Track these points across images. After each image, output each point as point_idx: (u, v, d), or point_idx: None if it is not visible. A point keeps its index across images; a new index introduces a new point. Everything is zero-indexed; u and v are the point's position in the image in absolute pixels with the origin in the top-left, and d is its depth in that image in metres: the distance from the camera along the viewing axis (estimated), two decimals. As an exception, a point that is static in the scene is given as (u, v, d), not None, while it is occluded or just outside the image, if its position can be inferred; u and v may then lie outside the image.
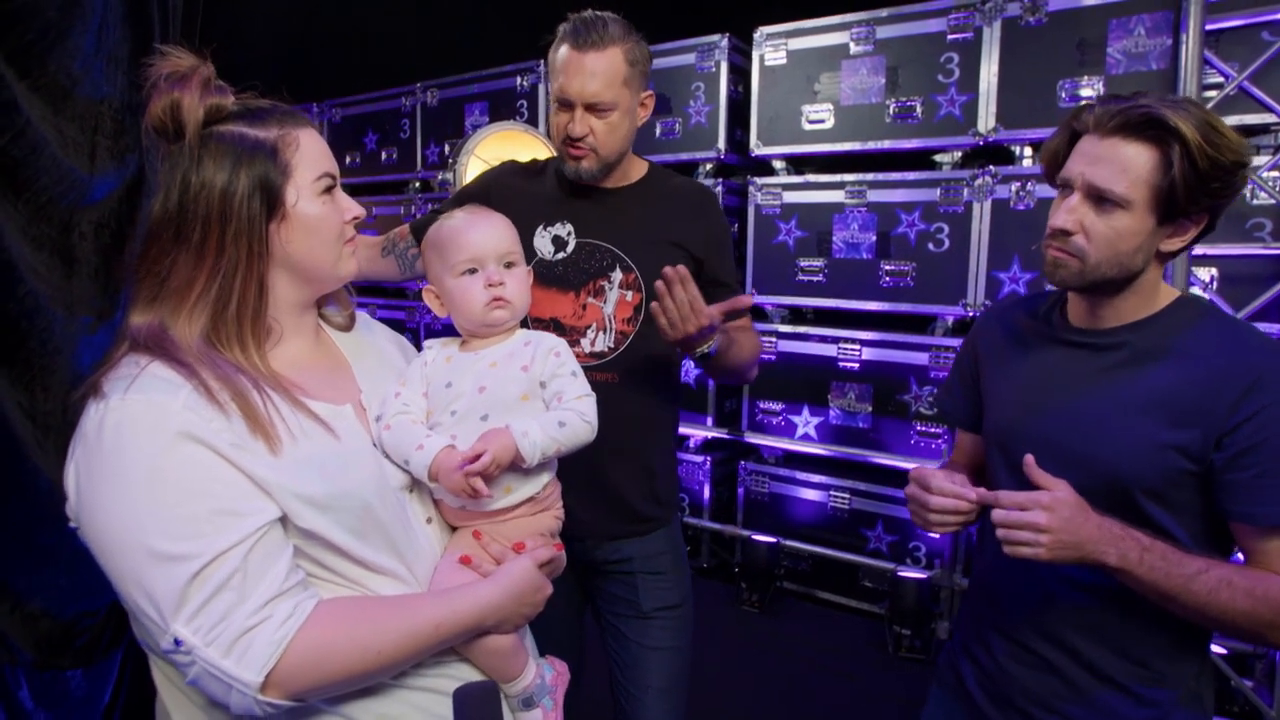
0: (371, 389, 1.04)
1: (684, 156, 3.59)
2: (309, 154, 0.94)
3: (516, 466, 1.01)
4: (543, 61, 3.57)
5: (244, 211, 0.88)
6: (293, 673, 0.81)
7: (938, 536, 1.05)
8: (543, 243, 1.55)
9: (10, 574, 1.37)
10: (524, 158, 1.74)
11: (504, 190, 1.59)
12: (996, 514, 1.00)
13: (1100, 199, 1.05)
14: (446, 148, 4.37)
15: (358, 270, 1.03)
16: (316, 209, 0.94)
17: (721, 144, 3.51)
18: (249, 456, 0.83)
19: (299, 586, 0.85)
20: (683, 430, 3.71)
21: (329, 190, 0.96)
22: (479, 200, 1.62)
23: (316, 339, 1.04)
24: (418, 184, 4.62)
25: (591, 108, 1.44)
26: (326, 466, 0.88)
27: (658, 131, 3.68)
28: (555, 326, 1.53)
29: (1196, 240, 1.10)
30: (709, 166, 3.59)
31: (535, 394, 1.08)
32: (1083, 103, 1.10)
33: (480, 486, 0.95)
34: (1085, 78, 2.72)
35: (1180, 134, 0.99)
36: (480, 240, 1.11)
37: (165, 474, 0.79)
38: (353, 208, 0.99)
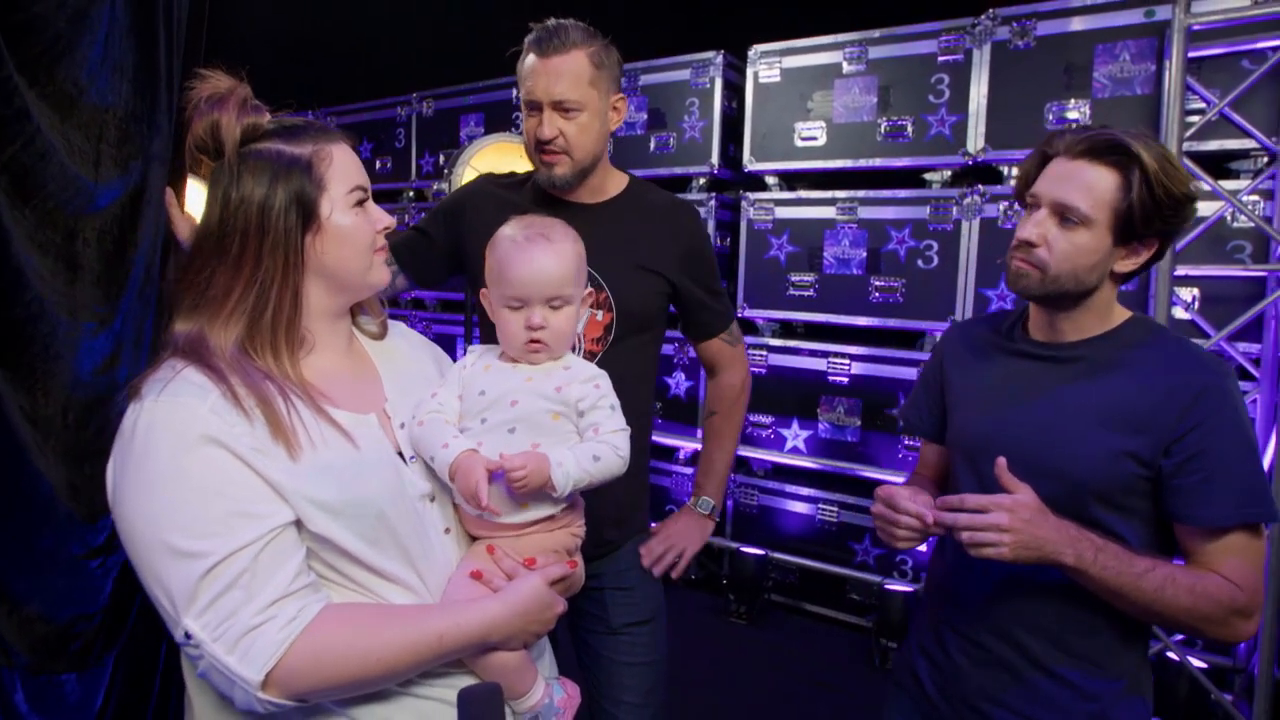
0: (398, 398, 1.06)
1: (678, 171, 3.63)
2: (341, 168, 0.97)
3: (545, 493, 1.01)
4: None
5: (281, 224, 0.92)
6: (293, 673, 0.83)
7: (906, 549, 1.14)
8: None
9: (9, 578, 1.37)
10: (502, 170, 1.74)
11: (479, 204, 1.59)
12: (962, 516, 1.06)
13: (1065, 216, 1.13)
14: (441, 158, 4.40)
15: (390, 278, 1.06)
16: (349, 220, 0.97)
17: (715, 159, 3.56)
18: (268, 461, 0.86)
19: (308, 589, 0.87)
20: (672, 442, 3.73)
21: (361, 202, 0.99)
22: (454, 214, 1.64)
23: (349, 348, 1.07)
24: (412, 193, 4.64)
25: (558, 107, 1.45)
26: (343, 474, 0.91)
27: (652, 146, 3.72)
28: None
29: (1147, 265, 1.18)
30: (702, 181, 3.63)
31: (566, 415, 1.07)
32: (1055, 129, 1.20)
33: (483, 496, 0.95)
34: (1072, 101, 2.78)
35: (1141, 160, 1.09)
36: (526, 279, 1.07)
37: (186, 474, 0.83)
38: (383, 218, 1.02)
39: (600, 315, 1.52)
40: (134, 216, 1.52)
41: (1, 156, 1.29)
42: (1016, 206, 2.87)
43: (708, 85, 3.55)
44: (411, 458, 1.03)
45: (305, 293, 0.97)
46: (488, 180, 1.70)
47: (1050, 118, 2.82)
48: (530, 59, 1.48)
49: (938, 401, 1.41)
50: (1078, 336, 1.21)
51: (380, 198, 4.79)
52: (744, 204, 3.50)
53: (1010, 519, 1.03)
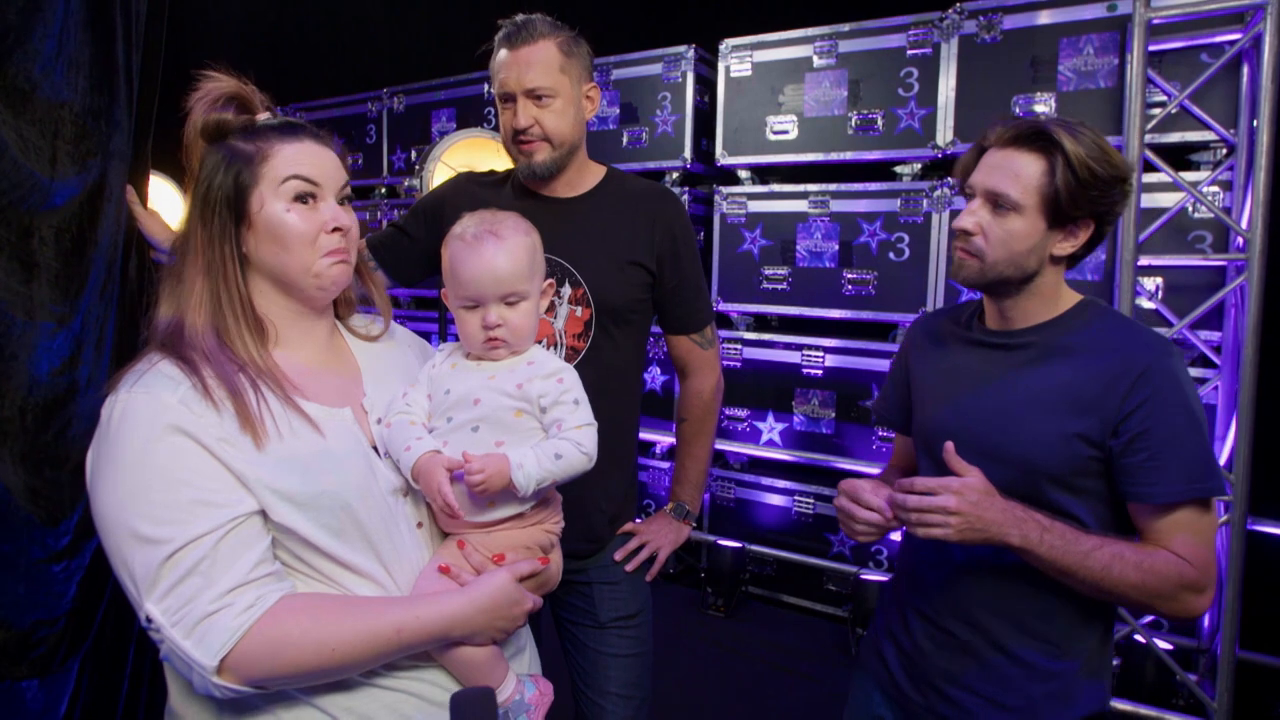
0: (377, 394, 1.07)
1: (650, 165, 3.63)
2: (285, 162, 0.97)
3: (509, 493, 1.01)
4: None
5: (217, 218, 0.95)
6: (248, 660, 0.84)
7: (866, 541, 1.19)
8: None
9: (-34, 583, 1.34)
10: (483, 168, 1.74)
11: (458, 202, 1.57)
12: (911, 498, 1.09)
13: (996, 203, 1.17)
14: (413, 154, 4.36)
15: (345, 280, 1.03)
16: (282, 215, 0.96)
17: (688, 153, 3.56)
18: (233, 451, 0.88)
19: (270, 578, 0.88)
20: (649, 437, 3.74)
21: (302, 198, 0.97)
22: (434, 213, 1.63)
23: (328, 345, 1.07)
24: (384, 190, 4.60)
25: (531, 95, 1.46)
26: (309, 465, 0.92)
27: (624, 140, 3.71)
28: None
29: (1089, 247, 1.21)
30: (675, 175, 3.63)
31: (529, 412, 1.06)
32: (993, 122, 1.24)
33: (449, 497, 0.96)
34: (1038, 94, 2.82)
35: (1062, 146, 1.12)
36: (477, 279, 1.06)
37: (152, 462, 0.86)
38: (337, 217, 0.99)
39: (580, 311, 1.52)
40: (93, 214, 1.48)
41: (-50, 153, 1.26)
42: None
43: (679, 79, 3.55)
44: (386, 453, 1.03)
45: (256, 287, 0.99)
46: (468, 179, 1.70)
47: (1017, 110, 2.86)
48: (501, 53, 1.49)
49: (904, 394, 1.44)
50: (1027, 323, 1.23)
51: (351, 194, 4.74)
52: (717, 198, 3.50)
53: (957, 501, 1.06)
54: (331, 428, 0.97)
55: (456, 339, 1.14)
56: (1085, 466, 1.15)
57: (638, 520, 1.70)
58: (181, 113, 1.00)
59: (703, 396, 1.72)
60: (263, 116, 1.01)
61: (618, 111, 3.72)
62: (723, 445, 3.55)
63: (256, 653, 0.84)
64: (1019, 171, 1.15)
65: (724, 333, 3.48)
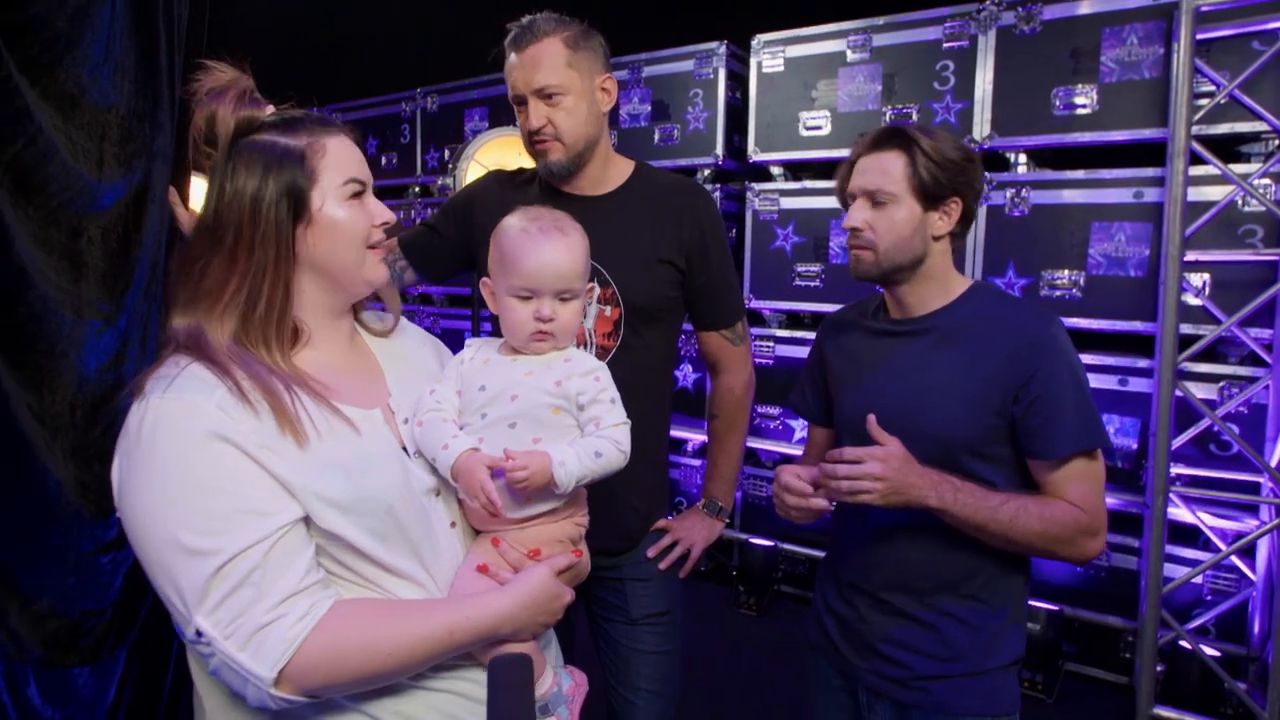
0: (401, 394, 1.06)
1: (682, 162, 3.62)
2: (336, 159, 0.97)
3: (549, 490, 1.02)
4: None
5: (272, 215, 0.92)
6: (306, 670, 0.83)
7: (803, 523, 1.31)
8: None
9: (19, 573, 1.39)
10: (511, 166, 1.74)
11: (487, 201, 1.58)
12: (841, 467, 1.20)
13: (875, 199, 1.30)
14: (446, 153, 4.40)
15: (388, 276, 1.05)
16: (342, 213, 0.96)
17: (719, 150, 3.55)
18: (275, 458, 0.86)
19: (318, 585, 0.87)
20: (681, 434, 3.73)
21: (357, 195, 0.98)
22: (463, 211, 1.64)
23: (350, 344, 1.06)
24: (418, 189, 4.65)
25: (541, 94, 1.45)
26: (350, 469, 0.91)
27: (656, 137, 3.71)
28: None
29: (964, 224, 1.33)
30: (707, 172, 3.62)
31: (566, 409, 1.06)
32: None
33: (493, 495, 0.96)
34: (1079, 85, 2.75)
35: (915, 139, 1.28)
36: (538, 270, 1.07)
37: (194, 471, 0.83)
38: (382, 213, 1.01)
39: (609, 311, 1.51)
40: (138, 214, 1.53)
41: (3, 156, 1.30)
42: (1024, 194, 2.88)
43: (711, 76, 3.53)
44: (415, 453, 1.02)
45: (299, 287, 0.97)
46: (496, 177, 1.70)
47: (1057, 103, 2.79)
48: (510, 57, 1.49)
49: (820, 387, 1.54)
50: (924, 310, 1.35)
51: (386, 194, 4.80)
52: (749, 195, 3.48)
53: (881, 467, 1.18)
54: (367, 429, 0.96)
55: (490, 334, 1.15)
56: (995, 436, 1.26)
57: (669, 517, 1.70)
58: (191, 107, 0.97)
59: (734, 393, 1.71)
60: (269, 109, 0.99)
61: (649, 109, 3.72)
62: (755, 443, 3.53)
63: (315, 662, 0.83)
64: (887, 168, 1.29)
65: (756, 330, 3.46)
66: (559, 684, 1.06)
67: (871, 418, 1.24)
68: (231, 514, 0.83)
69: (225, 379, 0.87)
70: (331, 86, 4.95)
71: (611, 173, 1.58)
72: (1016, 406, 1.24)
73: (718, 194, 3.55)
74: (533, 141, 1.49)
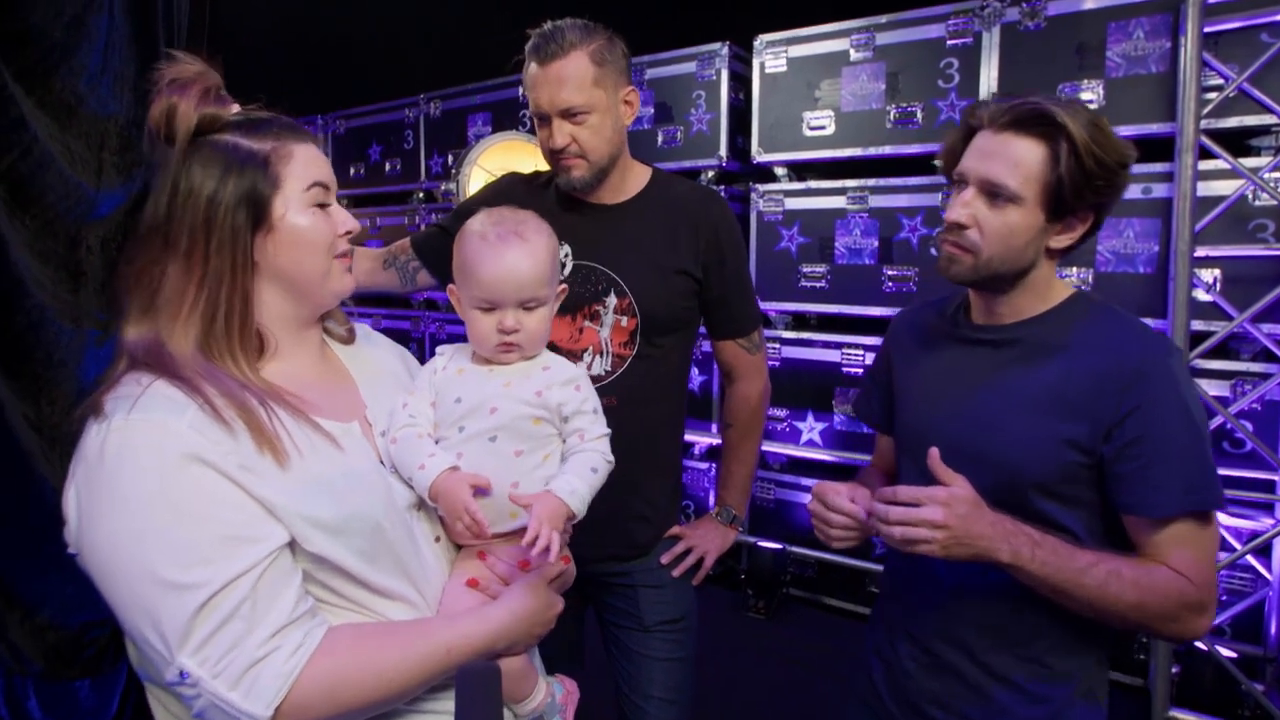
0: (376, 404, 1.02)
1: (686, 164, 3.61)
2: (302, 166, 0.92)
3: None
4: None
5: (228, 221, 0.86)
6: (302, 705, 0.79)
7: (842, 548, 1.12)
8: None
9: (19, 585, 1.38)
10: (526, 169, 1.73)
11: (504, 203, 1.56)
12: (894, 510, 1.00)
13: (993, 193, 1.06)
14: (450, 158, 4.40)
15: (354, 285, 1.01)
16: (306, 221, 0.92)
17: (723, 151, 3.53)
18: (256, 479, 0.81)
19: (308, 614, 0.83)
20: (688, 437, 3.71)
21: (322, 204, 0.94)
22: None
23: (321, 355, 1.02)
24: (421, 194, 4.65)
25: (566, 115, 1.41)
26: (335, 486, 0.87)
27: (659, 140, 3.70)
28: (552, 350, 1.52)
29: (1083, 239, 1.11)
30: (711, 174, 3.60)
31: (548, 419, 1.04)
32: (979, 100, 1.12)
33: (479, 516, 0.93)
34: (1085, 81, 2.73)
35: (1067, 130, 1.02)
36: (498, 281, 1.02)
37: (171, 498, 0.77)
38: (347, 221, 0.97)
39: (625, 321, 1.49)
40: (137, 224, 1.52)
41: None
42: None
43: (714, 77, 3.52)
44: (392, 467, 0.99)
45: (259, 297, 0.91)
46: (513, 179, 1.69)
47: (1063, 100, 2.76)
48: (532, 68, 1.44)
49: (886, 392, 1.36)
50: (1016, 318, 1.15)
51: (389, 200, 4.81)
52: (753, 196, 3.46)
53: (944, 514, 0.97)
54: (348, 444, 0.92)
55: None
56: (1074, 474, 1.06)
57: (681, 523, 1.68)
58: (150, 97, 0.89)
59: (750, 402, 1.69)
60: (235, 109, 0.93)
61: (652, 111, 3.70)
62: (762, 445, 3.50)
63: (313, 695, 0.79)
64: (1018, 159, 1.04)
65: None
66: (552, 693, 1.05)
67: (934, 452, 1.03)
68: (216, 542, 0.77)
69: (195, 396, 0.81)
70: (334, 93, 4.97)
71: (629, 181, 1.56)
72: (1107, 446, 1.03)
73: (722, 196, 3.53)
74: (556, 158, 1.47)
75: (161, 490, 0.77)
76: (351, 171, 4.93)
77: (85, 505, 0.79)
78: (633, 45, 1.54)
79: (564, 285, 1.17)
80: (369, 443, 0.97)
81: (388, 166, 4.77)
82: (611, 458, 1.05)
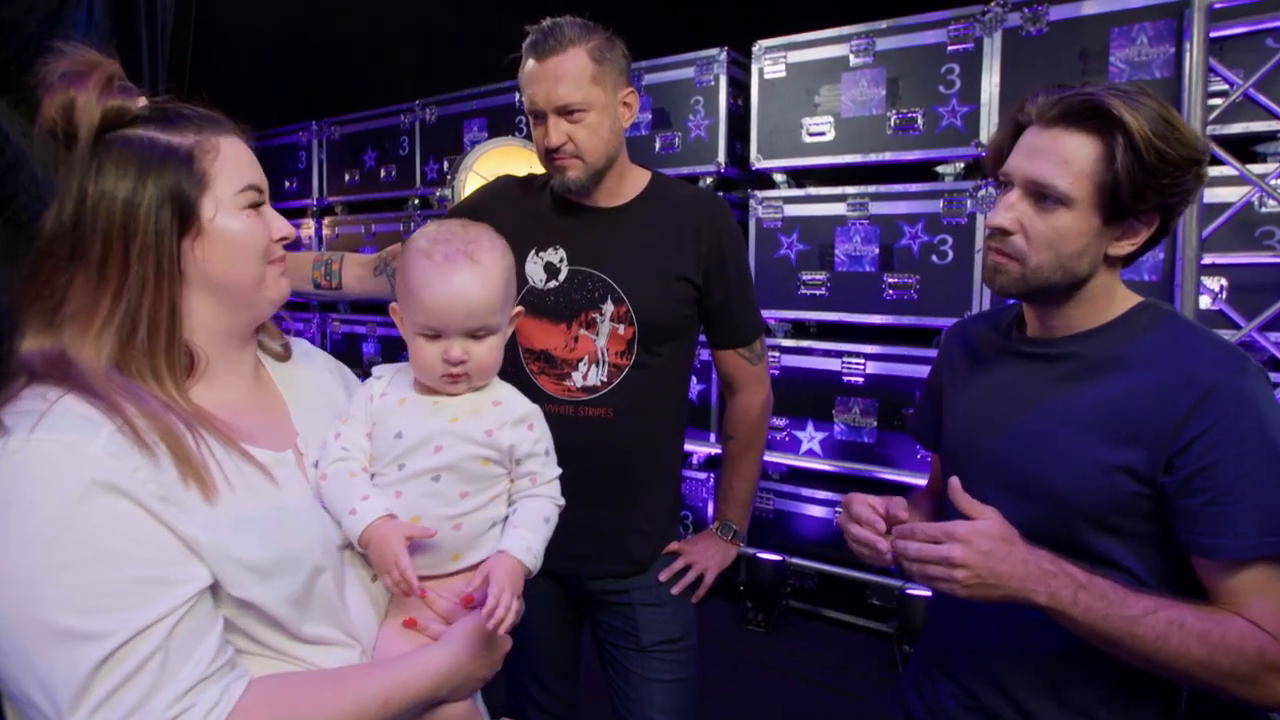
0: (309, 431, 0.93)
1: (684, 170, 3.57)
2: (231, 163, 0.84)
3: (482, 544, 0.95)
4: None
5: (151, 225, 0.77)
6: None
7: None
8: (535, 269, 1.49)
9: None
10: (521, 173, 1.69)
11: (497, 209, 1.52)
12: (911, 546, 0.91)
13: (1041, 195, 0.96)
14: (445, 164, 4.36)
15: (288, 292, 0.92)
16: (239, 224, 0.83)
17: (721, 157, 3.49)
18: (179, 513, 0.72)
19: (226, 666, 0.73)
20: (686, 447, 3.66)
21: (255, 205, 0.86)
22: (471, 217, 1.58)
23: (255, 375, 0.93)
24: (417, 201, 4.61)
25: (563, 112, 1.37)
26: (268, 525, 0.78)
27: (657, 146, 3.66)
28: (546, 359, 1.47)
29: (1149, 245, 1.01)
30: (709, 180, 3.57)
31: (497, 460, 0.96)
32: (1031, 91, 1.03)
33: (409, 574, 0.85)
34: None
35: (1123, 123, 0.90)
36: (443, 307, 0.92)
37: (77, 531, 0.67)
38: (283, 227, 0.89)
39: (622, 329, 1.45)
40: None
41: (-31, 167, 1.25)
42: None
43: (712, 83, 3.49)
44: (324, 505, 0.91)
45: (188, 309, 0.82)
46: (507, 182, 1.65)
47: (1066, 105, 2.73)
48: (529, 64, 1.40)
49: (937, 407, 1.26)
50: (1070, 332, 1.03)
51: (385, 206, 4.77)
52: (752, 202, 3.43)
53: (963, 552, 0.87)
54: (282, 476, 0.83)
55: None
56: (1130, 506, 0.94)
57: (680, 536, 1.64)
58: (38, 93, 0.79)
59: (751, 414, 1.64)
60: (141, 101, 0.83)
61: (650, 116, 3.67)
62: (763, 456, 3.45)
63: None
64: (1069, 156, 0.93)
65: (760, 340, 3.40)
66: None
67: (954, 481, 0.94)
68: (127, 584, 0.67)
69: (112, 416, 0.71)
70: (329, 99, 4.93)
71: (627, 184, 1.51)
72: (1170, 477, 0.91)
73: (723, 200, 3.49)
74: (550, 157, 1.42)
75: (65, 521, 0.67)
76: (346, 178, 4.89)
77: None
78: (631, 50, 1.50)
79: (519, 309, 1.09)
80: (302, 474, 0.89)
81: (383, 173, 4.73)
82: (562, 501, 1.00)
